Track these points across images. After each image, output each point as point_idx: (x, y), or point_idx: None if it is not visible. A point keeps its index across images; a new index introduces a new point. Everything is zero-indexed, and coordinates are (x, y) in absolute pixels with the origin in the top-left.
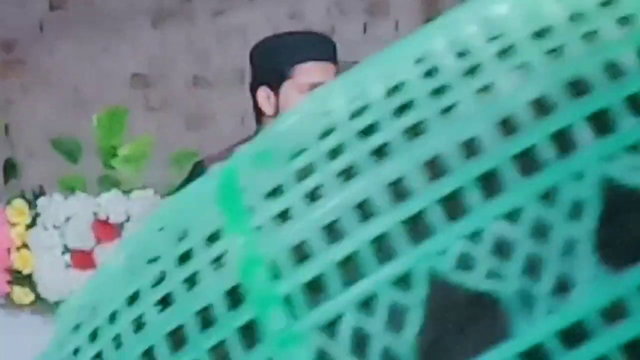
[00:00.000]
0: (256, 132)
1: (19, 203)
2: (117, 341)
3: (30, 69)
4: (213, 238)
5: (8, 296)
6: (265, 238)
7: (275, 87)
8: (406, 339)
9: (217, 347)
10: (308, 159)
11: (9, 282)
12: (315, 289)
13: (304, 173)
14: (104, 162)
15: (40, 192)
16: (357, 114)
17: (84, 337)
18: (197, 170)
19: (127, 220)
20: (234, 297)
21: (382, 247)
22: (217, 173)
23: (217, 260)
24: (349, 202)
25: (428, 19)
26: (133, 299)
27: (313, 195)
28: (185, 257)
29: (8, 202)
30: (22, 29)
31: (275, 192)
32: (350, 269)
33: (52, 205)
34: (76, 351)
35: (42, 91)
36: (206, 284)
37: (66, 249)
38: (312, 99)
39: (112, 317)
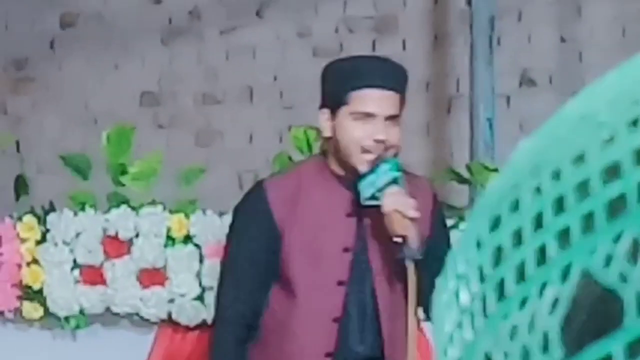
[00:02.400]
0: (322, 152)
1: (29, 219)
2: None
3: (41, 86)
4: None
5: (18, 311)
6: None
7: (333, 111)
8: None
9: None
10: None
11: (19, 297)
12: None
13: None
14: (113, 178)
15: (50, 208)
16: None
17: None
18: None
19: (136, 236)
20: None
21: None
22: None
23: None
24: None
25: (436, 38)
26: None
27: None
28: None
29: (18, 218)
30: (33, 47)
31: None
32: None
33: (62, 221)
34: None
35: (52, 108)
36: None
37: (76, 265)
38: None
39: (556, 175)
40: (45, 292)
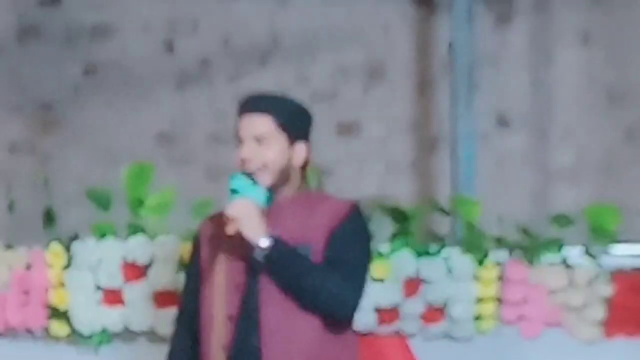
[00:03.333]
0: None
1: (56, 246)
2: None
3: (67, 127)
4: None
5: (46, 330)
6: None
7: None
8: None
9: None
10: None
11: (47, 317)
12: None
13: None
14: (132, 210)
15: (75, 237)
16: None
17: None
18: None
19: (152, 262)
20: None
21: None
22: None
23: None
24: None
25: (421, 83)
26: None
27: None
28: None
29: (46, 246)
30: (58, 92)
31: None
32: None
33: (86, 249)
34: None
35: (77, 147)
36: None
37: (98, 288)
38: None
39: None
40: (70, 313)
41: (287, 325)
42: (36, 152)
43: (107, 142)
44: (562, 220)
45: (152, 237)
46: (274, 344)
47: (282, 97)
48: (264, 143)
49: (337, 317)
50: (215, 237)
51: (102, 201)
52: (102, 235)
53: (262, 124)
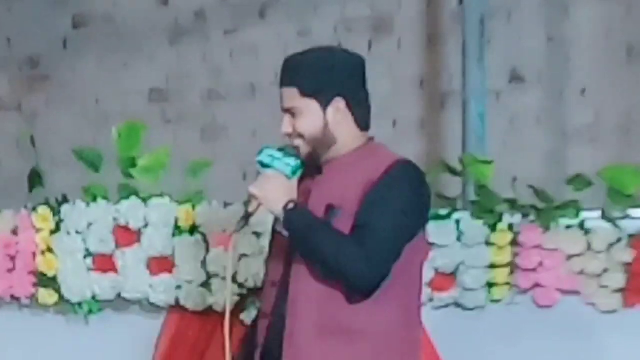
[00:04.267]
0: None
1: (44, 210)
2: None
3: (54, 84)
4: None
5: (33, 297)
6: None
7: None
8: None
9: None
10: None
11: (35, 284)
12: None
13: None
14: (124, 171)
15: (63, 200)
16: None
17: None
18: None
19: (146, 226)
20: None
21: None
22: None
23: None
24: None
25: (429, 37)
26: None
27: None
28: None
29: (33, 209)
30: (46, 46)
31: None
32: None
33: (75, 212)
34: None
35: (65, 105)
36: None
37: (88, 253)
38: None
39: None
40: (59, 279)
41: (310, 295)
42: (22, 110)
43: (97, 100)
44: (579, 182)
45: (145, 199)
46: (298, 313)
47: (308, 61)
48: (296, 115)
49: (353, 289)
50: None
51: (92, 162)
52: (93, 198)
53: (289, 97)
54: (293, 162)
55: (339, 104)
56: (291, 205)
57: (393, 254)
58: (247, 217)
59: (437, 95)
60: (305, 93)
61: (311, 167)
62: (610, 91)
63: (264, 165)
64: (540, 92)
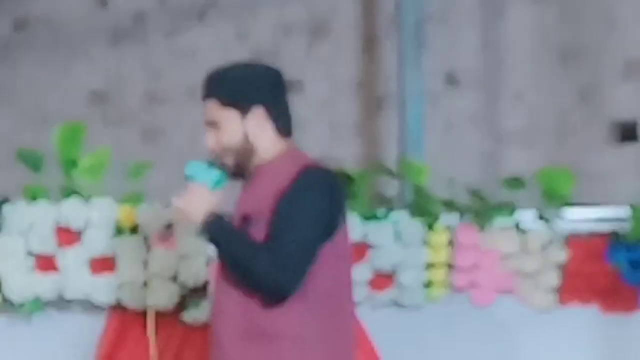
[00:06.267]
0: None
1: None
2: None
3: None
4: None
5: None
6: None
7: None
8: None
9: None
10: None
11: None
12: None
13: None
14: (65, 172)
15: (4, 200)
16: None
17: None
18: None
19: (87, 226)
20: None
21: None
22: None
23: None
24: None
25: (367, 41)
26: None
27: None
28: None
29: None
30: None
31: None
32: None
33: (16, 212)
34: None
35: (6, 107)
36: None
37: (30, 254)
38: None
39: None
40: (1, 279)
41: (232, 301)
42: None
43: (37, 102)
44: (514, 183)
45: (86, 199)
46: (223, 319)
47: (228, 73)
48: (218, 127)
49: (267, 297)
50: None
51: (33, 163)
52: (34, 198)
53: (210, 109)
54: (215, 174)
55: (258, 111)
56: (210, 217)
57: (304, 261)
58: (169, 226)
59: (374, 97)
60: (224, 102)
61: (244, 176)
62: (544, 94)
63: (189, 178)
64: (476, 94)
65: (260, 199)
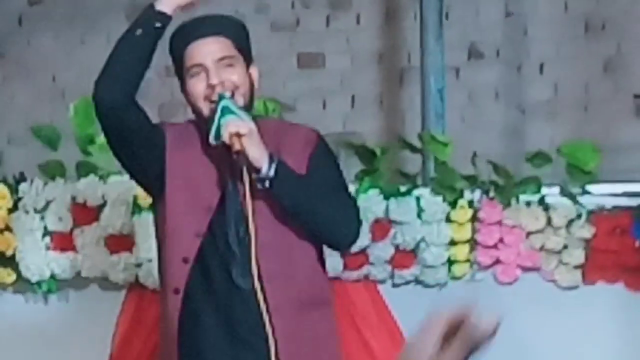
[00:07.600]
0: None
1: (1, 188)
2: None
3: (10, 61)
4: None
5: None
6: None
7: (182, 78)
8: None
9: None
10: None
11: None
12: None
13: None
14: (82, 149)
15: (21, 178)
16: None
17: None
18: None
19: (104, 204)
20: None
21: None
22: None
23: None
24: None
25: (388, 13)
26: None
27: None
28: None
29: None
30: (2, 23)
31: None
32: None
33: (33, 190)
34: None
35: (22, 82)
36: None
37: (46, 232)
38: None
39: None
40: (17, 258)
41: (284, 272)
42: None
43: (53, 77)
44: (538, 158)
45: (103, 177)
46: (278, 290)
47: (234, 19)
48: (230, 66)
49: (340, 243)
50: (181, 149)
51: (49, 139)
52: (51, 176)
53: (223, 46)
54: (247, 116)
55: (255, 69)
56: (274, 156)
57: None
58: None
59: (396, 71)
60: (238, 46)
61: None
62: (568, 66)
63: (229, 112)
64: (499, 67)
65: (289, 155)
